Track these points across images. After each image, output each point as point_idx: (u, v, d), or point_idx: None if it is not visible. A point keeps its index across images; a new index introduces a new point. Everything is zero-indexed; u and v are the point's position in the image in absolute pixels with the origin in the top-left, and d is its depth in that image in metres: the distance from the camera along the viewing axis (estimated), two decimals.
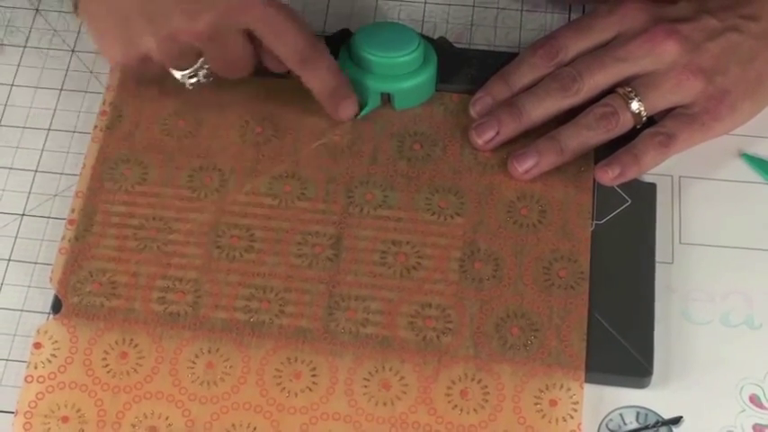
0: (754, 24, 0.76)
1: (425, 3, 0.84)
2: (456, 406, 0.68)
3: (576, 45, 0.76)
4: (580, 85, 0.75)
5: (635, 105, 0.74)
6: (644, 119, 0.74)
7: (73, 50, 0.83)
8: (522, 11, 0.83)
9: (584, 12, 0.83)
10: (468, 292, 0.71)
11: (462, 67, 0.79)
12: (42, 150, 0.78)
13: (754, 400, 0.68)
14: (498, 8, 0.84)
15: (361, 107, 0.77)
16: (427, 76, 0.78)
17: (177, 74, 0.74)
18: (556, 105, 0.75)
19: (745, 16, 0.76)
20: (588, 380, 0.69)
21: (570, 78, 0.75)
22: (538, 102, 0.75)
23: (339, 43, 0.78)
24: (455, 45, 0.80)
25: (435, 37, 0.80)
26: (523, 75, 0.76)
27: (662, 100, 0.75)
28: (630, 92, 0.74)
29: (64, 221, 0.74)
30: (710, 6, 0.76)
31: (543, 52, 0.76)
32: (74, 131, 0.79)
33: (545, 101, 0.75)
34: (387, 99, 0.78)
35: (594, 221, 0.73)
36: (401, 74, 0.77)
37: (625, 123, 0.74)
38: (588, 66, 0.75)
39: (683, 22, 0.75)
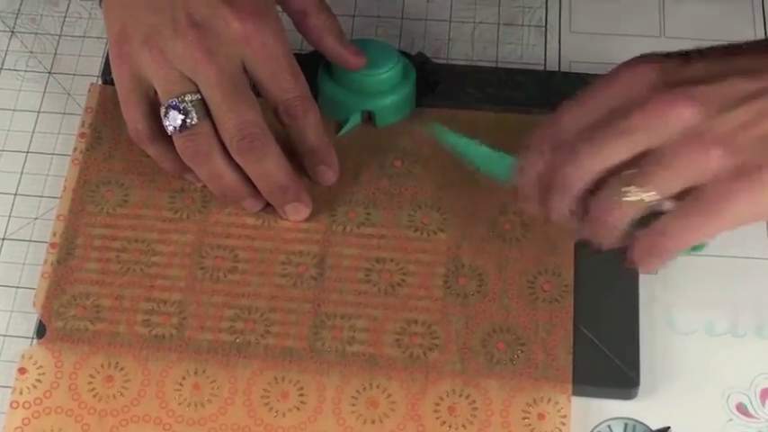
0: None
1: (402, 19, 0.84)
2: (444, 422, 0.68)
3: (575, 121, 0.64)
4: (576, 174, 0.63)
5: (633, 192, 0.61)
6: (654, 203, 0.62)
7: (50, 72, 0.82)
8: (499, 24, 0.84)
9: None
10: (453, 308, 0.71)
11: (441, 83, 0.79)
12: (21, 173, 0.78)
13: (741, 408, 0.69)
14: (475, 23, 0.84)
15: (341, 125, 0.77)
16: (407, 92, 0.78)
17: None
18: (560, 203, 0.65)
19: None
20: (575, 392, 0.69)
21: (563, 175, 0.64)
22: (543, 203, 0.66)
23: (318, 61, 0.78)
24: (433, 60, 0.81)
25: (413, 53, 0.81)
26: (534, 164, 0.65)
27: (672, 181, 0.61)
28: (634, 174, 0.62)
29: (45, 245, 0.74)
30: (738, 66, 0.62)
31: (539, 139, 0.65)
32: (53, 154, 0.79)
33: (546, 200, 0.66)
34: (367, 116, 0.78)
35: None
36: (380, 90, 0.77)
37: (623, 215, 0.62)
38: (583, 148, 0.63)
39: (700, 85, 0.61)
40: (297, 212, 0.74)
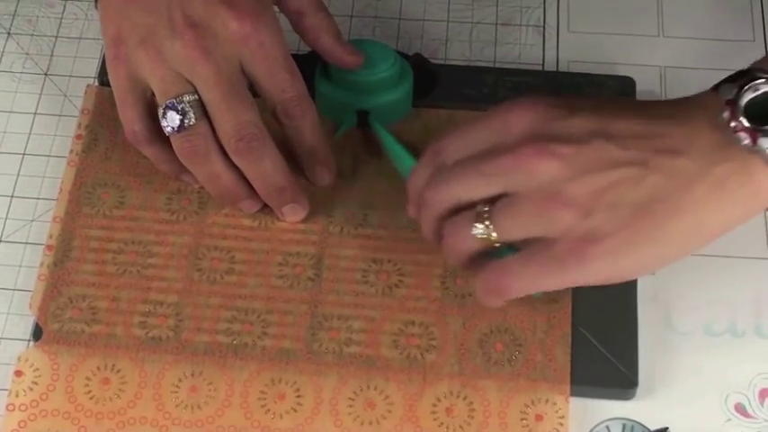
0: (670, 160, 0.62)
1: (400, 19, 0.84)
2: (442, 423, 0.68)
3: (456, 149, 0.66)
4: (437, 195, 0.66)
5: (480, 228, 0.64)
6: (496, 245, 0.65)
7: (46, 74, 0.82)
8: (497, 25, 0.84)
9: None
10: (450, 309, 0.71)
11: (439, 83, 0.79)
12: (18, 175, 0.78)
13: (740, 409, 0.68)
14: (473, 23, 0.84)
15: (339, 125, 0.77)
16: (404, 92, 0.77)
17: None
18: (424, 220, 0.68)
19: (662, 150, 0.62)
20: (573, 393, 0.68)
21: (426, 197, 0.67)
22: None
23: (314, 61, 0.78)
24: (431, 61, 0.80)
25: (410, 53, 0.80)
26: (415, 176, 0.68)
27: (518, 228, 0.64)
28: (486, 212, 0.64)
29: (41, 247, 0.74)
30: (614, 131, 0.63)
31: (430, 152, 0.68)
32: (49, 155, 0.78)
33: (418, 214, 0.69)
34: (364, 117, 0.77)
35: None
36: (378, 91, 0.77)
37: (469, 246, 0.65)
38: (447, 177, 0.66)
39: (567, 143, 0.63)
40: (294, 213, 0.74)
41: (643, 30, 0.83)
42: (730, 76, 0.63)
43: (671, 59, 0.82)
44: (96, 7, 0.75)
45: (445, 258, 0.68)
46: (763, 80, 0.61)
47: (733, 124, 0.61)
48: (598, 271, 0.63)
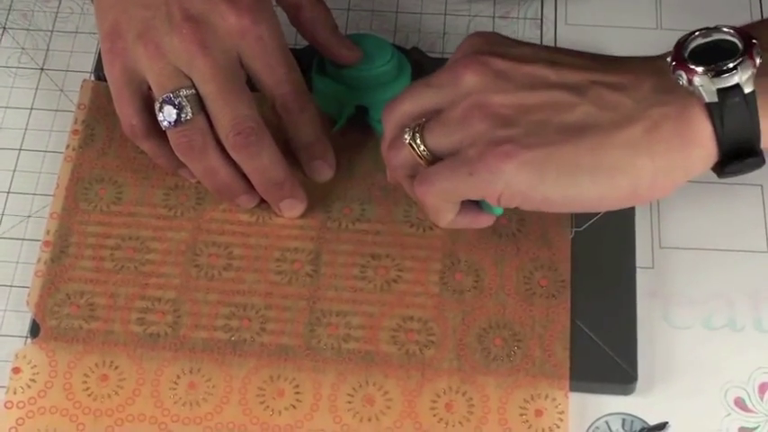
0: (609, 93, 0.61)
1: (397, 12, 0.84)
2: (441, 419, 0.67)
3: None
4: (389, 114, 0.67)
5: (408, 136, 0.65)
6: (425, 155, 0.64)
7: (42, 69, 0.82)
8: (494, 18, 0.83)
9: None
10: (449, 304, 0.71)
11: None
12: (14, 171, 0.77)
13: (740, 403, 0.68)
14: (470, 16, 0.83)
15: (336, 120, 0.77)
16: (401, 87, 0.76)
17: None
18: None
19: (602, 83, 0.62)
20: (572, 388, 0.68)
21: (385, 107, 0.68)
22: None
23: (312, 56, 0.78)
24: (428, 55, 0.80)
25: (408, 47, 0.80)
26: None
27: (443, 137, 0.64)
28: (421, 123, 0.65)
29: (38, 243, 0.74)
30: (558, 59, 0.64)
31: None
32: (45, 151, 0.78)
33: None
34: (361, 111, 0.77)
35: (574, 229, 0.73)
36: (375, 86, 0.76)
37: (403, 157, 0.65)
38: (401, 93, 0.67)
39: (505, 59, 0.63)
40: (292, 209, 0.74)
41: (641, 22, 0.83)
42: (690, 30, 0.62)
43: None
44: (92, 1, 0.74)
45: (389, 176, 0.68)
46: (718, 30, 0.61)
47: (674, 63, 0.60)
48: (509, 183, 0.61)
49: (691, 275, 0.73)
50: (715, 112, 0.59)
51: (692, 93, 0.60)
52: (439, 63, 0.79)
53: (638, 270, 0.72)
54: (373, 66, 0.76)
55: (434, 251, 0.72)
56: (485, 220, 0.68)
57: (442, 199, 0.65)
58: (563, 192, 0.61)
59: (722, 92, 0.59)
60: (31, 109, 0.80)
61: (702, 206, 0.75)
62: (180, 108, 0.70)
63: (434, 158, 0.64)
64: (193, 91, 0.70)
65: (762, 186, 0.75)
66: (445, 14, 0.83)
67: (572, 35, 0.82)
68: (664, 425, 0.68)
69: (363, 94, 0.76)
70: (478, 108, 0.62)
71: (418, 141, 0.64)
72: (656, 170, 0.60)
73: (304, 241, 0.73)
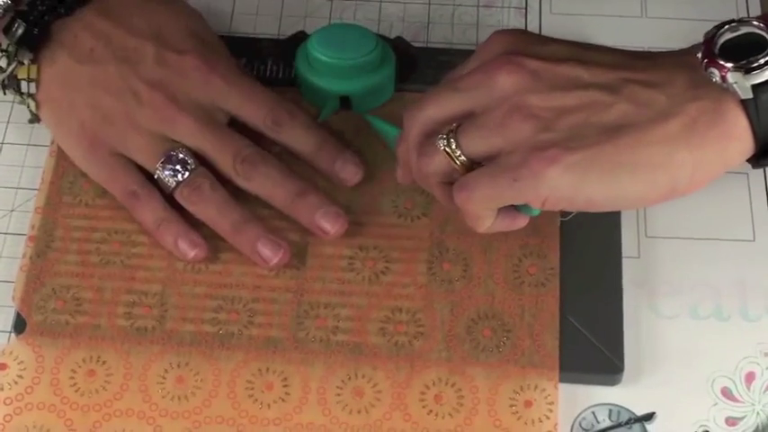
0: (643, 91, 0.61)
1: (381, 2, 0.83)
2: (431, 411, 0.67)
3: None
4: (411, 120, 0.66)
5: (443, 143, 0.63)
6: (462, 161, 0.63)
7: None
8: (478, 6, 0.83)
9: None
10: (437, 295, 0.71)
11: (421, 67, 0.79)
12: None
13: (726, 393, 0.69)
14: (454, 5, 0.83)
15: (320, 111, 0.77)
16: (386, 76, 0.77)
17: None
18: (401, 149, 0.68)
19: (635, 81, 0.62)
20: (559, 379, 0.68)
21: (406, 112, 0.67)
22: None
23: (295, 46, 0.77)
24: (412, 44, 0.80)
25: (392, 37, 0.80)
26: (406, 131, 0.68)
27: (481, 142, 0.63)
28: (453, 128, 0.64)
29: (22, 237, 0.73)
30: (589, 58, 0.63)
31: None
32: (28, 144, 0.77)
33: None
34: (346, 102, 0.77)
35: (560, 218, 0.73)
36: (360, 75, 0.76)
37: (437, 164, 0.64)
38: (424, 99, 0.66)
39: (538, 60, 0.63)
40: (336, 220, 0.72)
41: (626, 11, 0.83)
42: (718, 24, 0.62)
43: (654, 40, 0.81)
44: (36, 118, 0.75)
45: (418, 180, 0.67)
46: (746, 23, 0.61)
47: (706, 60, 0.60)
48: (554, 187, 0.61)
49: (677, 265, 0.73)
50: (750, 107, 0.59)
51: (725, 89, 0.60)
52: (423, 52, 0.79)
53: (624, 260, 0.72)
54: (357, 55, 0.76)
55: (422, 241, 0.72)
56: (522, 222, 0.67)
57: (483, 206, 0.64)
58: (606, 192, 0.61)
59: (756, 87, 0.59)
60: (13, 102, 0.79)
61: (688, 196, 0.74)
62: (183, 163, 0.71)
63: (471, 164, 0.63)
64: (184, 148, 0.71)
65: (748, 175, 0.75)
66: (429, 4, 0.83)
67: (557, 24, 0.82)
68: (650, 415, 0.68)
69: (348, 84, 0.76)
70: (517, 111, 0.61)
71: (454, 147, 0.63)
72: (694, 164, 0.61)
73: (290, 233, 0.72)
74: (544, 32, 0.81)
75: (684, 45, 0.80)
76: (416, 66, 0.79)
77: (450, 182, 0.65)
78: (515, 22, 0.82)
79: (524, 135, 0.61)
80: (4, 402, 0.68)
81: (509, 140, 0.62)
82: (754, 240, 0.74)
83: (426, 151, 0.65)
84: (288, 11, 0.82)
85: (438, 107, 0.64)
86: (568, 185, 0.61)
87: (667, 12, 0.83)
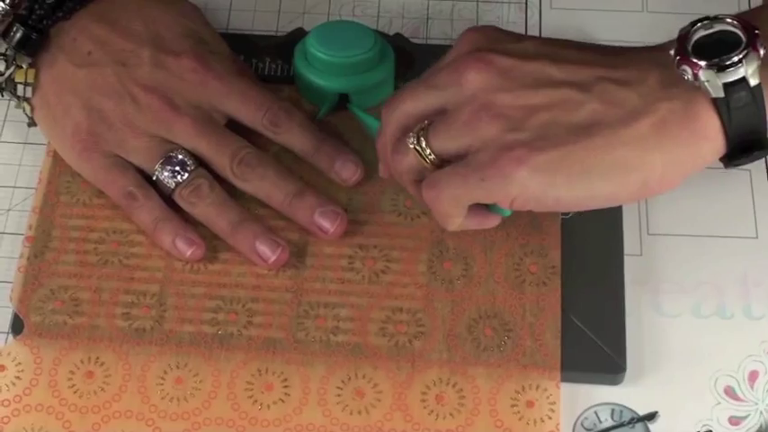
0: (615, 89, 0.60)
1: None
2: (432, 411, 0.67)
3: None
4: (387, 115, 0.66)
5: (413, 140, 0.64)
6: (431, 159, 0.64)
7: None
8: (477, 2, 0.82)
9: None
10: (438, 294, 0.70)
11: (420, 63, 0.78)
12: None
13: (729, 392, 0.68)
14: (454, 1, 0.82)
15: (318, 109, 0.76)
16: (385, 74, 0.76)
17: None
18: (380, 145, 0.68)
19: (607, 78, 0.61)
20: (561, 378, 0.68)
21: (383, 107, 0.67)
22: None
23: (293, 43, 0.77)
24: (412, 41, 0.79)
25: (391, 33, 0.79)
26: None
27: (450, 141, 0.63)
28: (424, 126, 0.64)
29: (19, 237, 0.73)
30: (561, 55, 0.62)
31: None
32: (25, 143, 0.77)
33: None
34: (345, 99, 0.76)
35: (561, 215, 0.73)
36: (358, 73, 0.75)
37: (409, 162, 0.64)
38: (399, 95, 0.66)
39: (508, 56, 0.62)
40: (335, 220, 0.71)
41: (626, 5, 0.82)
42: (692, 21, 0.61)
43: (655, 35, 0.80)
44: (31, 111, 0.75)
45: (395, 178, 0.67)
46: (720, 21, 0.60)
47: (678, 57, 0.60)
48: (523, 188, 0.61)
49: (679, 262, 0.72)
50: (722, 106, 0.59)
51: (697, 87, 0.59)
52: (422, 49, 0.79)
53: (626, 257, 0.72)
54: (356, 53, 0.75)
55: (422, 240, 0.72)
56: (493, 221, 0.67)
57: (452, 204, 0.64)
58: (575, 192, 0.61)
59: (728, 86, 0.58)
60: (10, 100, 0.78)
61: (690, 192, 0.74)
62: (182, 164, 0.71)
63: (441, 162, 0.63)
64: (182, 149, 0.71)
65: (750, 171, 0.75)
66: (428, 0, 0.82)
67: (557, 19, 0.82)
68: (653, 415, 0.68)
69: (346, 81, 0.75)
70: (485, 110, 0.61)
71: (424, 145, 0.63)
72: (665, 164, 0.60)
73: (290, 232, 0.72)
74: (544, 28, 0.81)
75: None
76: (415, 62, 0.78)
77: (423, 179, 0.65)
78: (515, 17, 0.82)
79: (492, 134, 0.61)
80: (2, 404, 0.67)
81: (477, 139, 0.61)
82: (757, 237, 0.73)
83: (399, 148, 0.65)
84: (286, 7, 0.82)
85: (412, 102, 0.64)
86: (537, 186, 0.61)
87: (667, 6, 0.82)
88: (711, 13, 0.82)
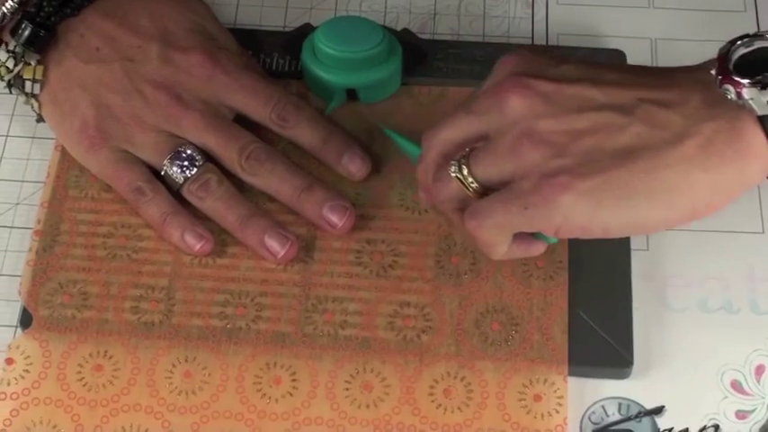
0: (658, 111, 0.59)
1: None
2: (440, 405, 0.67)
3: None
4: (428, 142, 0.65)
5: (455, 169, 0.62)
6: (474, 188, 0.62)
7: None
8: None
9: None
10: (446, 289, 0.70)
11: (427, 59, 0.78)
12: (1, 158, 0.76)
13: (736, 386, 0.68)
14: None
15: (326, 104, 0.76)
16: (393, 69, 0.76)
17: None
18: (421, 174, 0.66)
19: (650, 100, 0.60)
20: (568, 372, 0.68)
21: (424, 135, 0.66)
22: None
23: (301, 39, 0.77)
24: (419, 36, 0.79)
25: (398, 29, 0.79)
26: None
27: (492, 168, 0.61)
28: (466, 154, 0.63)
29: (27, 230, 0.73)
30: (602, 78, 0.61)
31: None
32: (33, 137, 0.77)
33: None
34: (353, 95, 0.76)
35: None
36: (366, 68, 0.75)
37: (450, 190, 0.63)
38: (441, 122, 0.64)
39: (549, 81, 0.61)
40: (343, 214, 0.71)
41: (633, 1, 0.82)
42: (731, 39, 0.61)
43: (662, 31, 0.81)
44: (39, 108, 0.75)
45: (436, 208, 0.66)
46: (760, 38, 0.59)
47: (720, 77, 0.59)
48: (568, 215, 0.59)
49: (686, 257, 0.72)
50: (767, 122, 0.58)
51: (741, 106, 0.58)
52: (429, 44, 0.79)
53: (633, 252, 0.72)
54: (364, 48, 0.75)
55: (430, 235, 0.72)
56: (538, 249, 0.65)
57: (495, 234, 0.62)
58: (622, 218, 0.59)
59: None
60: (18, 96, 0.78)
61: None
62: (191, 159, 0.71)
63: (485, 190, 0.62)
64: (191, 144, 0.72)
65: None
66: None
67: (564, 14, 0.82)
68: (660, 409, 0.68)
69: (354, 77, 0.76)
70: (528, 136, 0.60)
71: (466, 173, 0.62)
72: (712, 186, 0.59)
73: (298, 227, 0.72)
74: (551, 23, 0.81)
75: (690, 36, 0.80)
76: (423, 58, 0.78)
77: (465, 208, 0.63)
78: (522, 13, 0.82)
79: (535, 161, 0.60)
80: (11, 397, 0.67)
81: (520, 167, 0.60)
82: (763, 233, 0.73)
83: (440, 177, 0.63)
84: (293, 3, 0.82)
85: (453, 130, 0.63)
86: (581, 213, 0.59)
87: (674, 2, 0.82)
88: (717, 9, 0.82)
